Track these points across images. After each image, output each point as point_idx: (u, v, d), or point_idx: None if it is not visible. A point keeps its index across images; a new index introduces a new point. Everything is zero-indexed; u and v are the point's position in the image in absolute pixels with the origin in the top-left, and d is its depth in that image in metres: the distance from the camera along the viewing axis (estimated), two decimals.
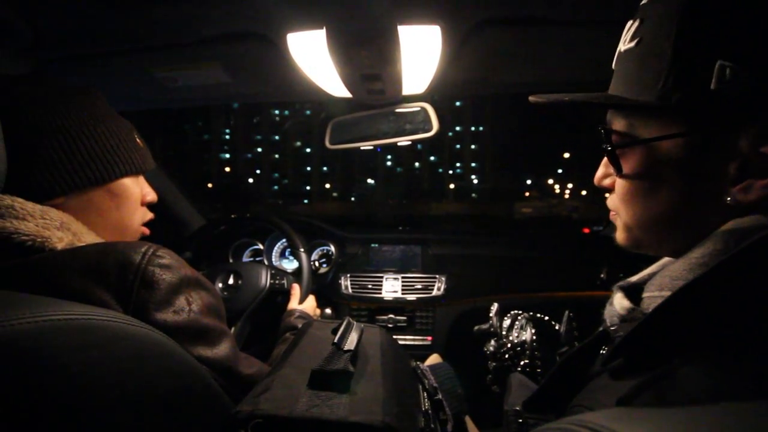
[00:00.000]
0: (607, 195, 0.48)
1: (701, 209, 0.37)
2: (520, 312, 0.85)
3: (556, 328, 0.78)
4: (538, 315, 0.82)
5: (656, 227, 0.41)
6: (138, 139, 0.68)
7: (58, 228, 0.53)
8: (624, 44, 0.40)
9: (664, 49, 0.35)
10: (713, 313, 0.31)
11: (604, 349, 0.43)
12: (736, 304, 0.30)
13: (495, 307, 0.86)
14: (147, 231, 0.72)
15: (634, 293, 0.45)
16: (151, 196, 0.71)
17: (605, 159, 0.46)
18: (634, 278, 0.49)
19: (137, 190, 0.67)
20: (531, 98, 0.46)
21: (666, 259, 0.45)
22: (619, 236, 0.46)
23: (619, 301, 0.45)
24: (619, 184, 0.43)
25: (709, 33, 0.33)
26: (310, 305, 1.14)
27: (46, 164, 0.55)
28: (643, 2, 0.40)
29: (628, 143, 0.40)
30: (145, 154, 0.68)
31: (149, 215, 0.72)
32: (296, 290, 1.14)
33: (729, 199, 0.35)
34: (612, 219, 0.48)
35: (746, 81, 0.32)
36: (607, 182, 0.47)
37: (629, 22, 0.41)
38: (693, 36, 0.34)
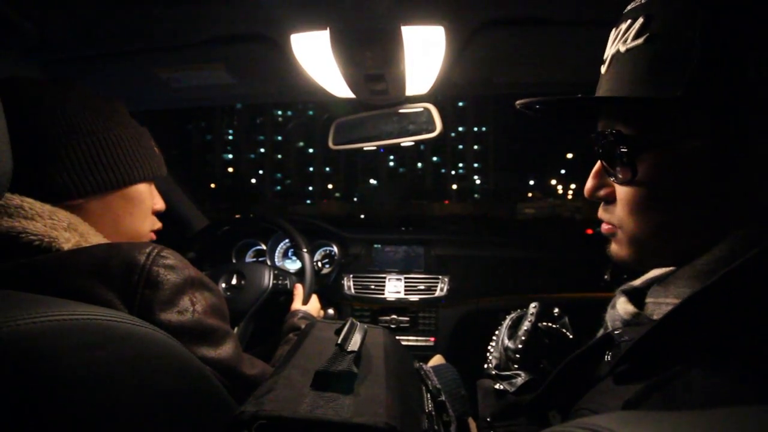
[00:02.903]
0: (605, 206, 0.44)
1: (717, 213, 0.36)
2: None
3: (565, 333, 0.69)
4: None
5: (668, 237, 0.39)
6: (154, 146, 0.70)
7: (66, 229, 0.53)
8: (625, 44, 0.38)
9: (690, 42, 0.33)
10: (720, 320, 0.31)
11: (608, 354, 0.43)
12: (742, 311, 0.30)
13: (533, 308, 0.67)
14: (154, 237, 0.73)
15: (636, 297, 0.45)
16: (160, 204, 0.73)
17: (595, 169, 0.44)
18: (637, 282, 0.48)
19: (149, 197, 0.69)
20: (534, 99, 0.43)
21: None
22: (622, 251, 0.43)
23: (623, 306, 0.44)
24: (629, 192, 0.40)
25: (743, 23, 0.32)
26: (313, 306, 1.14)
27: (73, 166, 0.57)
28: (640, 2, 0.38)
29: (647, 146, 0.37)
30: (160, 161, 0.70)
31: (158, 224, 0.73)
32: (299, 291, 1.14)
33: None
34: (606, 232, 0.45)
35: None
36: (602, 193, 0.44)
37: (625, 23, 0.38)
38: (726, 26, 0.32)
